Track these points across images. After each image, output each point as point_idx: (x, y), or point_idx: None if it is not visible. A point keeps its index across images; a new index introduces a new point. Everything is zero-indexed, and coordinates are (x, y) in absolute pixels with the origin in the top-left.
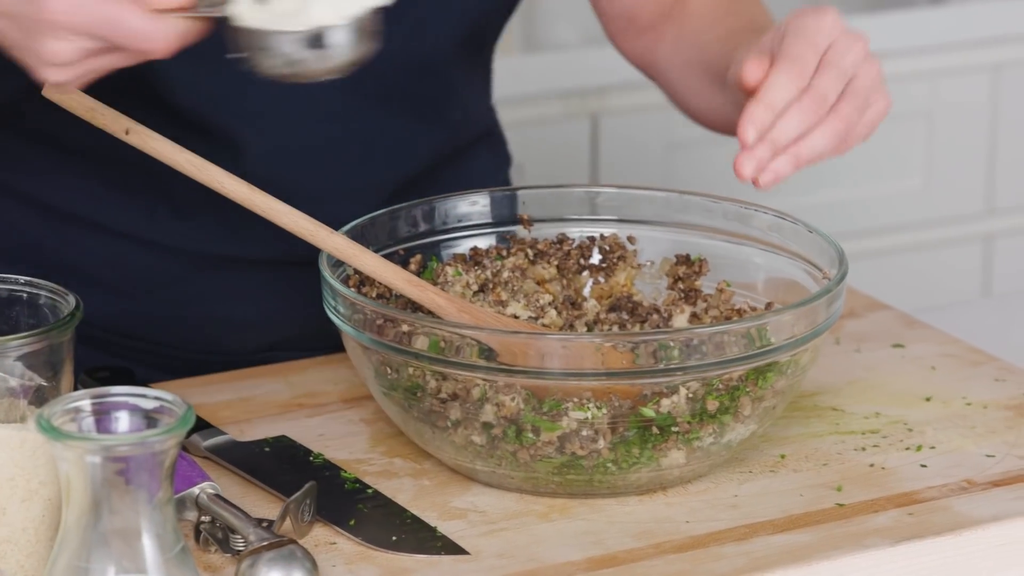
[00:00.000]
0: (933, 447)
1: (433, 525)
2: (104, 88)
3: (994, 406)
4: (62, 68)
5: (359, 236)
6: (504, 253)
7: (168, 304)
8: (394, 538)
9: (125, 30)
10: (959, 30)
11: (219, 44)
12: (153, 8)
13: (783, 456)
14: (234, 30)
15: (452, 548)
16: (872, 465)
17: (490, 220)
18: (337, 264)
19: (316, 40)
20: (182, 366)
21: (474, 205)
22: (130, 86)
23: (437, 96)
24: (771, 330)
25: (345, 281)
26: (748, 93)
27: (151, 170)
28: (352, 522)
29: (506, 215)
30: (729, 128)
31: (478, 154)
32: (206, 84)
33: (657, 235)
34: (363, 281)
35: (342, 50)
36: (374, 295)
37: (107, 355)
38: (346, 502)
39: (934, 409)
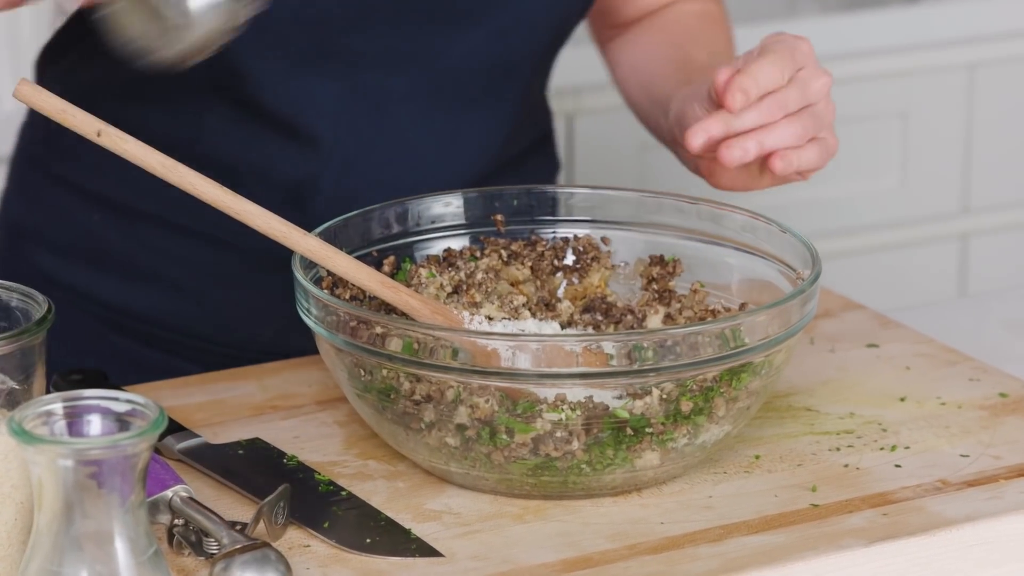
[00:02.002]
0: (907, 447)
1: (407, 527)
2: (192, 87)
3: (968, 406)
4: None
5: (332, 238)
6: (478, 254)
7: (229, 303)
8: (368, 540)
9: None
10: (935, 30)
11: (306, 47)
12: None
13: (757, 457)
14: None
15: (426, 550)
16: (847, 465)
17: (463, 221)
18: (310, 266)
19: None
20: (229, 364)
21: (447, 206)
22: (220, 86)
23: (515, 99)
24: (745, 331)
25: (318, 283)
26: (719, 100)
27: (221, 169)
28: (326, 524)
29: (479, 216)
30: (661, 136)
31: (538, 156)
32: (293, 84)
33: (631, 236)
34: (336, 283)
35: (202, 25)
36: (347, 297)
37: (153, 349)
38: (320, 504)
39: (908, 409)
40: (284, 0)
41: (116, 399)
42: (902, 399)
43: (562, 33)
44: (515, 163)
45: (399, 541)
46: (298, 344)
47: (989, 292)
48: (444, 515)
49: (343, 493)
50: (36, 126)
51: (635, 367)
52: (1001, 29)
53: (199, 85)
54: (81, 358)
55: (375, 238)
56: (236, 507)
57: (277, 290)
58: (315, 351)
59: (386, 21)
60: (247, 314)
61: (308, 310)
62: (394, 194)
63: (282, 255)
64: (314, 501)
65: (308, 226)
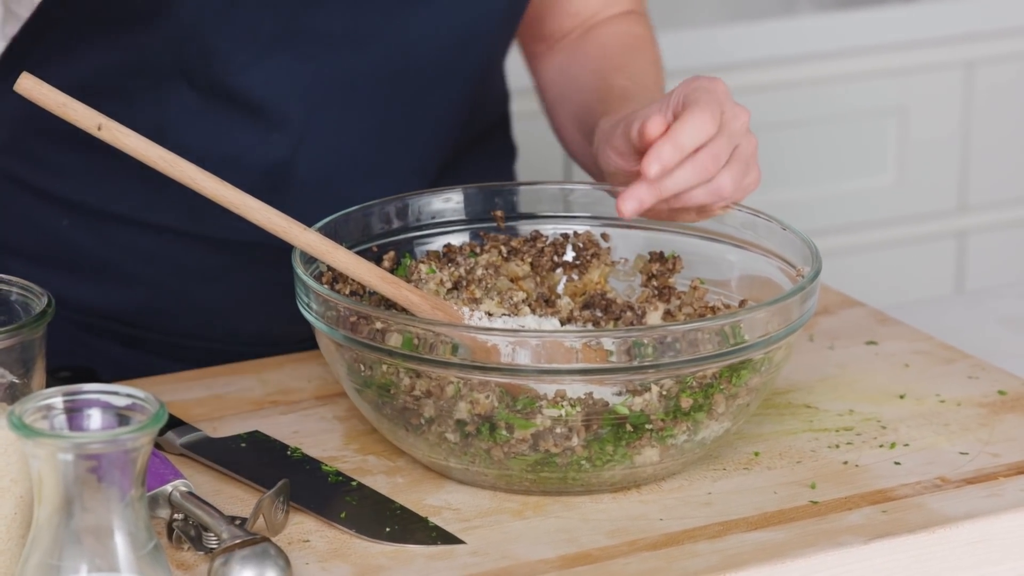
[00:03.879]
0: (907, 444)
1: (424, 515)
2: (155, 76)
3: (967, 403)
4: None
5: (332, 233)
6: (478, 250)
7: (205, 297)
8: (388, 529)
9: None
10: (931, 27)
11: (271, 27)
12: None
13: (757, 454)
14: None
15: (448, 537)
16: (846, 463)
17: (464, 217)
18: (310, 261)
19: None
20: (211, 359)
21: (447, 202)
22: (186, 70)
23: (475, 75)
24: (745, 327)
25: (318, 278)
26: (645, 147)
27: (191, 157)
28: (343, 514)
29: (479, 212)
30: (589, 168)
31: (496, 138)
32: (260, 67)
33: (631, 232)
34: (336, 278)
35: None
36: (347, 292)
37: (133, 350)
38: (333, 495)
39: (908, 406)
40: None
41: (116, 393)
42: (901, 396)
43: (516, 6)
44: (477, 142)
45: (418, 528)
46: (282, 333)
47: (987, 289)
48: (444, 511)
49: (353, 483)
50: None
51: (635, 363)
52: (998, 26)
53: (163, 73)
54: (62, 363)
55: (375, 233)
56: (235, 502)
57: (256, 282)
58: (297, 340)
59: None
60: (226, 307)
61: (308, 305)
62: (367, 176)
63: (256, 246)
64: (327, 492)
65: (287, 211)
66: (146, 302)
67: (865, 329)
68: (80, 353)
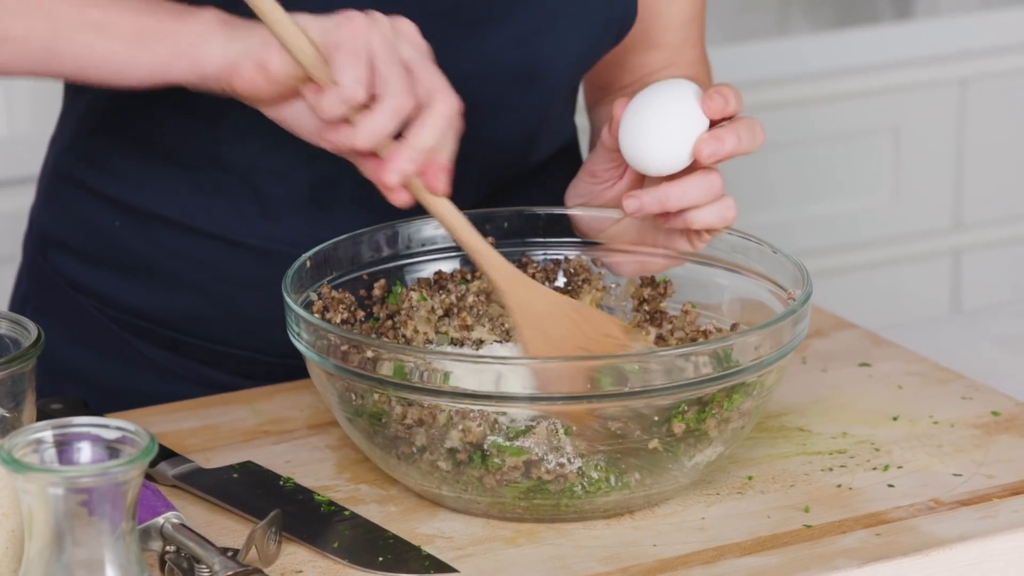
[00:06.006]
0: (900, 467)
1: (417, 544)
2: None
3: (961, 424)
4: None
5: (323, 260)
6: (469, 277)
7: (246, 306)
8: (380, 559)
9: None
10: (926, 45)
11: None
12: None
13: (750, 478)
14: None
15: (440, 567)
16: (839, 485)
17: (454, 243)
18: (300, 289)
19: None
20: (249, 369)
21: (437, 229)
22: None
23: (538, 107)
24: (736, 351)
25: (308, 307)
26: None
27: (240, 172)
28: (336, 544)
29: None
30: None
31: (559, 168)
32: None
33: (622, 257)
34: (327, 307)
35: None
36: (338, 320)
37: (175, 354)
38: (326, 525)
39: (901, 428)
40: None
41: (106, 426)
42: (895, 418)
43: (593, 47)
44: (535, 171)
45: (412, 558)
46: None
47: (981, 309)
48: (437, 539)
49: (346, 512)
50: (63, 136)
51: (625, 389)
52: (992, 44)
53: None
54: (106, 364)
55: (365, 261)
56: (227, 533)
57: None
58: None
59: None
60: (265, 318)
61: (299, 334)
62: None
63: (297, 256)
64: (319, 521)
65: (330, 227)
66: (188, 307)
67: (858, 351)
68: (125, 354)
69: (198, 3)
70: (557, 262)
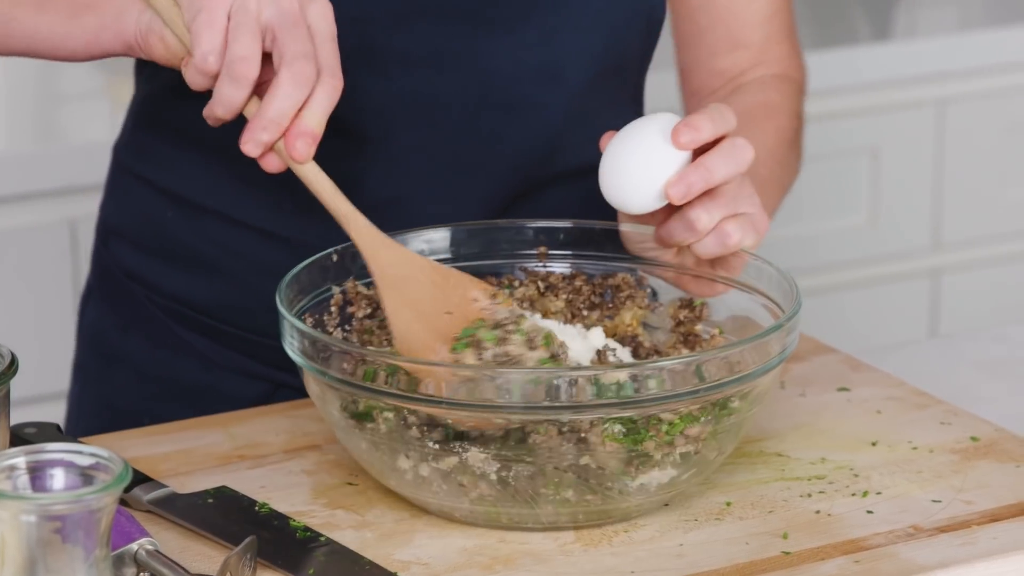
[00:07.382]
0: (879, 493)
1: (394, 571)
2: None
3: (940, 450)
4: None
5: (324, 271)
6: (515, 284)
7: None
8: None
9: None
10: (904, 66)
11: (352, 45)
12: None
13: (728, 504)
14: None
15: None
16: (818, 512)
17: (449, 256)
18: (295, 299)
19: None
20: (281, 360)
21: (429, 243)
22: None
23: (563, 111)
24: (714, 367)
25: (328, 300)
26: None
27: None
28: (311, 571)
29: (463, 251)
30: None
31: (588, 180)
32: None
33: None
34: (350, 301)
35: None
36: (361, 315)
37: (215, 343)
38: (301, 551)
39: (880, 454)
40: None
41: (80, 452)
42: (873, 443)
43: (617, 42)
44: (563, 179)
45: None
46: None
47: (960, 333)
48: (413, 565)
49: (321, 538)
50: (125, 129)
51: (615, 400)
52: (970, 65)
53: None
54: (152, 351)
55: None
56: (202, 560)
57: None
58: None
59: (430, 21)
60: None
61: (293, 344)
62: (433, 199)
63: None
64: (295, 548)
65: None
66: (226, 297)
67: (837, 375)
68: (170, 342)
69: None
70: (605, 276)
